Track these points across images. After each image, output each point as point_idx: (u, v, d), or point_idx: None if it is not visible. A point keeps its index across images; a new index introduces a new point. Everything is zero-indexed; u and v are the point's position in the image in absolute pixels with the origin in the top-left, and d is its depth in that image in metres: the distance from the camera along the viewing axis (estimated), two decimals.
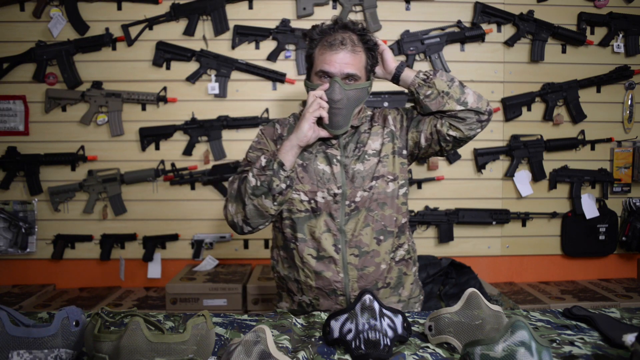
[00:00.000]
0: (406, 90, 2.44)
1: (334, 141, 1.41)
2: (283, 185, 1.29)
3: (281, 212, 1.40)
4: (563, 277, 2.56)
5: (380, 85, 2.44)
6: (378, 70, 1.45)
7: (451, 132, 1.37)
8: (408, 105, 2.44)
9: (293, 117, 1.52)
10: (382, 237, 1.37)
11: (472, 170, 2.50)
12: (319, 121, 1.35)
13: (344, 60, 1.33)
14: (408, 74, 1.40)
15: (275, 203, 1.32)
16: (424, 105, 1.39)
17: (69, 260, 2.48)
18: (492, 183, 2.51)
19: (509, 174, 2.48)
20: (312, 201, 1.37)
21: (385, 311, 1.01)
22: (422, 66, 2.44)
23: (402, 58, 2.43)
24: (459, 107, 1.35)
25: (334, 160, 1.39)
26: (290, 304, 1.45)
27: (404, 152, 1.44)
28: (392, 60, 1.42)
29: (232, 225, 1.39)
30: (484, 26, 2.42)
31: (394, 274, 1.41)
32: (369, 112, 1.49)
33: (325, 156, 1.39)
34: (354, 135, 1.43)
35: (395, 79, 1.42)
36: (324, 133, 1.36)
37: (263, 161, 1.30)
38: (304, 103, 1.48)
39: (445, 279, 2.14)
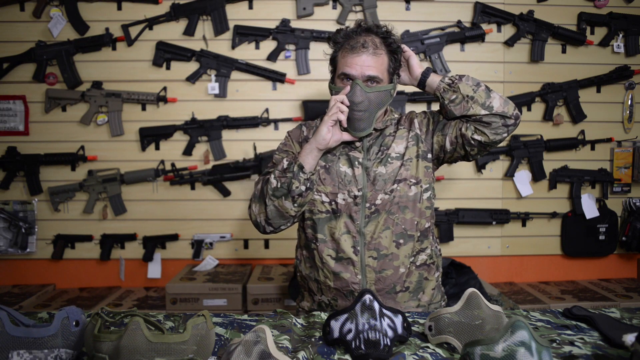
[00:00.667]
0: (406, 90, 2.46)
1: (357, 144, 1.41)
2: (302, 188, 1.31)
3: (303, 212, 1.42)
4: (563, 277, 2.56)
5: None
6: (404, 75, 1.44)
7: (476, 137, 1.35)
8: (409, 105, 2.44)
9: (321, 119, 1.50)
10: (401, 241, 1.37)
11: (472, 170, 2.50)
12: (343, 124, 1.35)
13: (365, 62, 1.33)
14: (434, 79, 1.39)
15: (295, 204, 1.33)
16: (449, 110, 1.37)
17: (69, 260, 2.48)
18: (492, 183, 2.51)
19: (509, 174, 2.48)
20: (333, 202, 1.38)
21: (385, 311, 1.01)
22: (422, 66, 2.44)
23: None
24: (483, 112, 1.33)
25: (356, 162, 1.39)
26: (311, 304, 1.47)
27: (429, 155, 1.43)
28: (417, 66, 1.41)
29: (255, 225, 1.41)
30: (484, 26, 2.42)
31: (414, 278, 1.40)
32: (396, 115, 1.49)
33: (347, 158, 1.40)
34: (378, 138, 1.43)
35: (421, 84, 1.41)
36: (346, 136, 1.36)
37: (285, 163, 1.32)
38: None
39: (445, 279, 2.14)
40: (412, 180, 1.39)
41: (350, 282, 1.35)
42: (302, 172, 1.30)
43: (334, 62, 1.41)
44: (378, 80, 1.34)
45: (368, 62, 1.33)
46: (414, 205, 1.39)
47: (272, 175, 1.33)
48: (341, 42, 1.38)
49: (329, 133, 1.32)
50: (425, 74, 1.40)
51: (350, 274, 1.36)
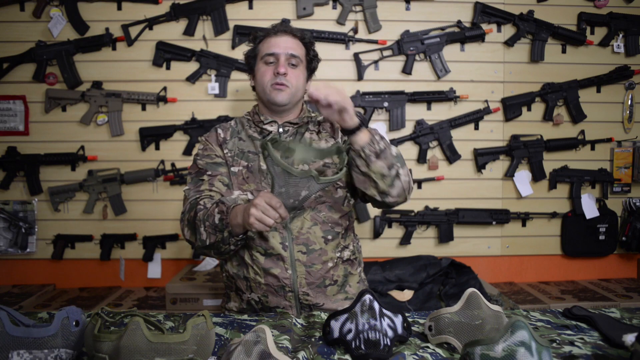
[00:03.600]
0: (406, 90, 2.47)
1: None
2: (232, 247, 1.31)
3: None
4: (563, 277, 2.56)
5: (380, 85, 2.44)
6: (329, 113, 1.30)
7: (366, 198, 1.43)
8: (408, 105, 2.43)
9: (235, 121, 1.54)
10: (330, 237, 1.41)
11: (472, 170, 2.50)
12: None
13: (287, 43, 1.43)
14: (362, 138, 1.29)
15: (225, 255, 1.38)
16: (351, 166, 1.33)
17: (69, 260, 2.48)
18: (492, 183, 2.51)
19: (509, 174, 2.48)
20: None
21: (385, 311, 1.01)
22: (422, 66, 2.44)
23: (402, 58, 2.44)
24: (377, 196, 1.35)
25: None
26: (239, 303, 1.46)
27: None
28: (351, 119, 1.28)
29: (190, 243, 1.40)
30: (484, 26, 2.42)
31: (341, 272, 1.44)
32: (313, 114, 1.53)
33: None
34: (296, 136, 1.47)
35: (349, 134, 1.30)
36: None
37: (216, 218, 1.26)
38: (257, 107, 1.52)
39: (445, 279, 2.14)
40: (339, 182, 1.43)
41: (281, 277, 1.37)
42: (232, 238, 1.27)
43: (254, 52, 1.48)
44: (299, 61, 1.44)
45: (289, 43, 1.44)
46: (339, 206, 1.44)
47: (202, 227, 1.28)
48: (261, 36, 1.47)
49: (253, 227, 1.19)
50: (358, 129, 1.29)
51: (281, 269, 1.37)
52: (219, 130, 1.51)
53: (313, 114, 1.54)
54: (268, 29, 1.48)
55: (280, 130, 1.46)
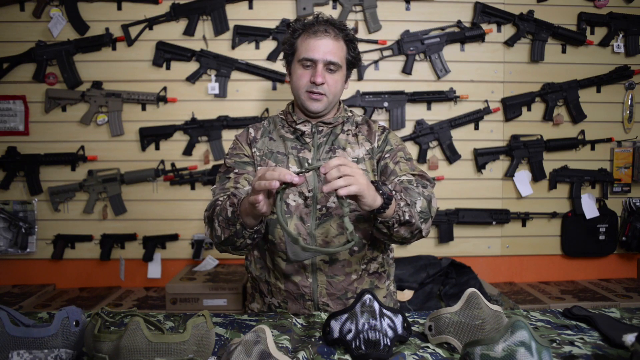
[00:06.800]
0: (406, 90, 2.46)
1: (307, 139, 1.39)
2: (248, 241, 1.23)
3: None
4: (563, 277, 2.56)
5: (380, 85, 2.44)
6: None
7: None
8: (409, 105, 2.43)
9: (268, 121, 1.49)
10: (355, 248, 1.35)
11: (472, 170, 2.50)
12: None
13: (327, 47, 1.32)
14: (391, 209, 1.15)
15: (245, 250, 1.29)
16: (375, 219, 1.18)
17: (69, 260, 2.48)
18: (492, 183, 2.51)
19: (509, 174, 2.48)
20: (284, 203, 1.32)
21: (385, 311, 1.01)
22: (422, 66, 2.44)
23: (402, 58, 2.44)
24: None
25: (306, 164, 1.36)
26: (260, 305, 1.45)
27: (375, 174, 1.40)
28: (375, 201, 1.11)
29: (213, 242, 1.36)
30: (484, 26, 2.42)
31: (365, 285, 1.39)
32: (349, 114, 1.46)
33: (297, 160, 1.37)
34: (329, 136, 1.40)
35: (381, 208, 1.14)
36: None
37: (229, 211, 1.19)
38: (291, 106, 1.46)
39: (445, 279, 2.15)
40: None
41: (301, 285, 1.34)
42: (246, 231, 1.19)
43: (292, 47, 1.38)
44: (338, 67, 1.34)
45: (329, 47, 1.32)
46: (369, 216, 1.29)
47: (216, 222, 1.22)
48: (300, 29, 1.36)
49: (263, 206, 1.07)
50: (386, 205, 1.13)
51: (301, 277, 1.34)
52: (251, 130, 1.46)
53: (350, 114, 1.46)
54: (308, 24, 1.35)
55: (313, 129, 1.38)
